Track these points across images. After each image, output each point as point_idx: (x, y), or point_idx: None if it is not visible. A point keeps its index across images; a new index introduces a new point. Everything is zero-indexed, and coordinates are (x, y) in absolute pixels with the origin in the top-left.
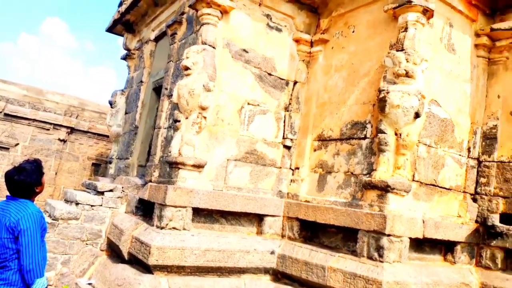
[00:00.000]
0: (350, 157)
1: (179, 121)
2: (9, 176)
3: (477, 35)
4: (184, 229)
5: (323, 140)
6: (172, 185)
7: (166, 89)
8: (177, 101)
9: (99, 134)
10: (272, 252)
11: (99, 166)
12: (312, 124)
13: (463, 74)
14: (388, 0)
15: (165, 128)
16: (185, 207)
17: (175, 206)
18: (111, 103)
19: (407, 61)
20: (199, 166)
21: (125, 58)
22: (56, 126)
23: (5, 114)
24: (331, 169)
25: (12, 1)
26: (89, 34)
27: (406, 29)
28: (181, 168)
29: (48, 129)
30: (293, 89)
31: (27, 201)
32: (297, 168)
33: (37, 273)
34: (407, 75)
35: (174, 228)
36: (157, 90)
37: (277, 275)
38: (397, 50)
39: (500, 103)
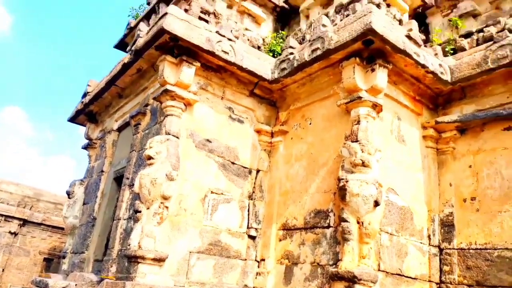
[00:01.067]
0: (316, 246)
1: (140, 211)
2: None
3: (424, 127)
4: None
5: (288, 229)
6: (131, 281)
7: (128, 178)
8: (139, 191)
9: (53, 226)
10: None
11: (51, 261)
12: (277, 212)
13: (415, 164)
14: (340, 96)
15: (124, 219)
16: None
17: None
18: (68, 194)
19: (362, 151)
20: (159, 260)
21: (86, 147)
22: (8, 218)
23: None
24: (297, 260)
25: None
26: (49, 124)
27: (358, 122)
28: (140, 262)
29: None
30: (256, 178)
31: None
32: (263, 260)
33: None
34: (363, 164)
35: None
36: (118, 180)
37: None
38: (352, 141)
39: (452, 190)
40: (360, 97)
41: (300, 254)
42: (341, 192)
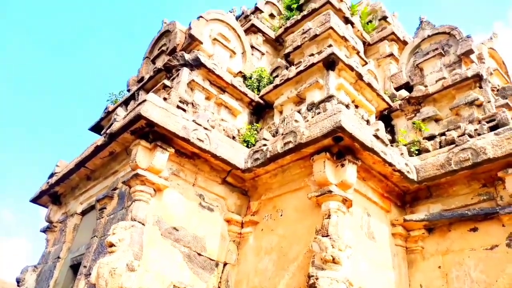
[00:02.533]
0: None
1: None
2: None
3: (393, 225)
4: None
5: None
6: None
7: (85, 267)
8: (95, 281)
9: None
10: None
11: None
12: None
13: (386, 262)
14: (311, 188)
15: None
16: None
17: None
18: (18, 281)
19: (333, 247)
20: None
21: (45, 230)
22: None
23: None
24: None
25: None
26: (9, 203)
27: (329, 216)
28: None
29: None
30: (222, 271)
31: None
32: None
33: None
34: (333, 261)
35: None
36: (75, 267)
37: None
38: (323, 236)
39: None
40: (330, 191)
41: None
42: None
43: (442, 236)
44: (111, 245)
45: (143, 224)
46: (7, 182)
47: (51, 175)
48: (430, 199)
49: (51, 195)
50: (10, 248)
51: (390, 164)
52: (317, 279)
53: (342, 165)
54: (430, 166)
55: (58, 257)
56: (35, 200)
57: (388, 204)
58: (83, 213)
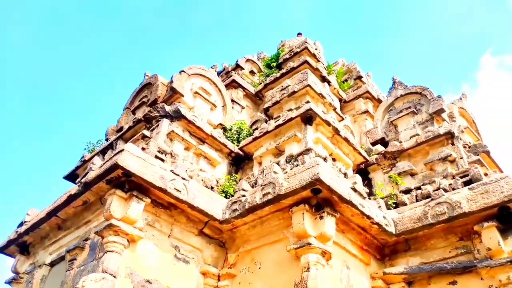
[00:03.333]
0: None
1: None
2: None
3: (373, 278)
4: None
5: None
6: None
7: None
8: None
9: None
10: None
11: None
12: None
13: None
14: (290, 241)
15: None
16: None
17: None
18: None
19: None
20: None
21: (10, 282)
22: None
23: None
24: None
25: None
26: None
27: (308, 269)
28: None
29: None
30: None
31: None
32: None
33: None
34: None
35: None
36: None
37: None
38: None
39: None
40: (309, 243)
41: None
42: None
43: None
44: None
45: (114, 276)
46: None
47: (21, 224)
48: (409, 252)
49: (19, 245)
50: None
51: (368, 217)
52: None
53: (321, 217)
54: (407, 219)
55: None
56: (2, 250)
57: (368, 257)
58: (52, 264)
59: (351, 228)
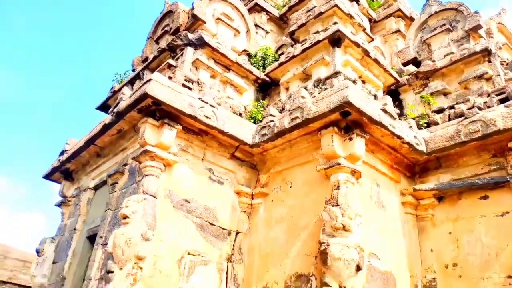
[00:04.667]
0: None
1: (112, 272)
2: None
3: (403, 194)
4: None
5: None
6: None
7: (101, 237)
8: (112, 251)
9: (20, 285)
10: None
11: None
12: (256, 275)
13: (396, 229)
14: (319, 161)
15: (95, 280)
16: None
17: None
18: (38, 251)
19: (343, 216)
20: None
21: (60, 204)
22: None
23: None
24: None
25: None
26: (24, 179)
27: (338, 187)
28: None
29: None
30: (235, 240)
31: None
32: None
33: None
34: (344, 228)
35: None
36: (91, 238)
37: None
38: (333, 205)
39: (434, 256)
40: (339, 164)
41: None
42: (323, 256)
43: (452, 205)
44: (125, 217)
45: (154, 197)
46: (22, 159)
47: (62, 153)
48: (440, 169)
49: (63, 172)
50: (27, 222)
51: (399, 137)
52: (328, 245)
53: (350, 139)
54: (439, 138)
55: (75, 229)
56: (47, 177)
57: (398, 175)
58: (96, 188)
59: (381, 149)
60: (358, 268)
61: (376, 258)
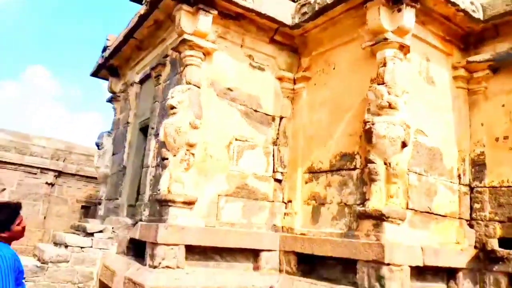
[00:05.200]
0: (342, 188)
1: (167, 159)
2: None
3: (454, 67)
4: (178, 267)
5: (314, 172)
6: (163, 223)
7: (153, 128)
8: (164, 140)
9: (87, 177)
10: None
11: (88, 209)
12: (301, 157)
13: (445, 105)
14: (364, 38)
15: (153, 167)
16: (178, 245)
17: (167, 245)
18: (98, 145)
19: (389, 94)
20: (189, 203)
21: (110, 100)
22: (44, 170)
23: None
24: (324, 200)
25: None
26: (74, 80)
27: (385, 64)
28: (171, 206)
29: (35, 173)
30: (279, 124)
31: (1, 244)
32: (290, 201)
33: None
34: (390, 106)
35: (167, 266)
36: (144, 130)
37: None
38: (378, 84)
39: (484, 130)
40: (386, 39)
41: (326, 195)
42: (367, 134)
43: (508, 76)
44: (172, 107)
45: (198, 87)
46: (69, 61)
47: (104, 49)
48: (497, 38)
49: (108, 68)
50: (84, 120)
51: (453, 4)
52: (373, 124)
53: (399, 10)
54: (499, 3)
55: (128, 122)
56: (95, 74)
57: (450, 48)
58: (141, 82)
59: (433, 19)
60: (404, 145)
61: (423, 134)
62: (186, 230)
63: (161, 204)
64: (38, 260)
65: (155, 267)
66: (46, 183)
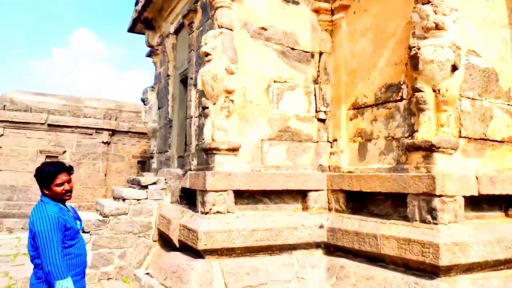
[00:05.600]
0: (389, 121)
1: (207, 107)
2: None
3: None
4: (228, 212)
5: (358, 108)
6: (210, 171)
7: (192, 78)
8: (203, 88)
9: (139, 133)
10: (321, 226)
11: (144, 163)
12: (344, 93)
13: (500, 20)
14: None
15: (196, 117)
16: (226, 190)
17: (216, 191)
18: (143, 101)
19: (436, 13)
20: (233, 150)
21: (149, 55)
22: (98, 130)
23: (49, 125)
24: (371, 136)
25: (37, 21)
26: (117, 39)
27: None
28: (216, 154)
29: (91, 134)
30: (319, 61)
31: (49, 202)
32: (335, 140)
33: (56, 275)
34: (437, 27)
35: (218, 212)
36: (184, 81)
37: (329, 248)
38: (423, 4)
39: None
40: None
41: (373, 130)
42: (413, 61)
43: None
44: (206, 54)
45: (230, 30)
46: (110, 21)
47: (136, 3)
48: None
49: (143, 22)
50: (131, 78)
51: None
52: (419, 49)
53: None
54: None
55: (168, 75)
56: (131, 30)
57: None
58: (176, 32)
59: None
60: (454, 68)
61: (476, 55)
62: (233, 175)
63: (207, 153)
64: (100, 214)
65: (206, 213)
66: (102, 142)
